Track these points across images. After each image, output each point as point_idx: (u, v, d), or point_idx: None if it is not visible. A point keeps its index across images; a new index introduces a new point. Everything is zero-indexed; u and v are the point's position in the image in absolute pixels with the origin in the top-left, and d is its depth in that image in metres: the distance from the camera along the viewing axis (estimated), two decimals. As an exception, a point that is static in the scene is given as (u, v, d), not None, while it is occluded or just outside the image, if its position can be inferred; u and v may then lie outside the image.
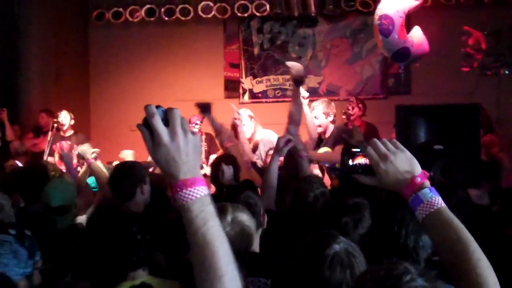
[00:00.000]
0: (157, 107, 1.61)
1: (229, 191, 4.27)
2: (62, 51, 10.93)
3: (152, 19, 11.14)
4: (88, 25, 11.77)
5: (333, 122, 7.51)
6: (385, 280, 1.56)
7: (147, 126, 1.59)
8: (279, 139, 4.87)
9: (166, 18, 11.06)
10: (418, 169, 1.85)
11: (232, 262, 1.56)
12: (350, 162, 1.95)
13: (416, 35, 7.67)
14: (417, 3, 7.71)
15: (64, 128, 8.78)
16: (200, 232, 1.55)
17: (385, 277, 1.56)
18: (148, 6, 11.07)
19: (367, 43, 10.76)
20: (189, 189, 1.56)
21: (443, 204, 1.81)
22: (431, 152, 6.05)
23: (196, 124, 8.57)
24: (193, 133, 1.60)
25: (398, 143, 1.90)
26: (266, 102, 11.25)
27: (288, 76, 11.13)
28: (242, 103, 11.31)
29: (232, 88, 11.43)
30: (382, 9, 7.55)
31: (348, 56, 10.93)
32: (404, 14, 7.58)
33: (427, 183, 1.83)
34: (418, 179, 1.83)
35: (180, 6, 10.95)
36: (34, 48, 10.30)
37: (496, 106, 9.52)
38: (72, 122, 8.90)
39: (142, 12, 11.10)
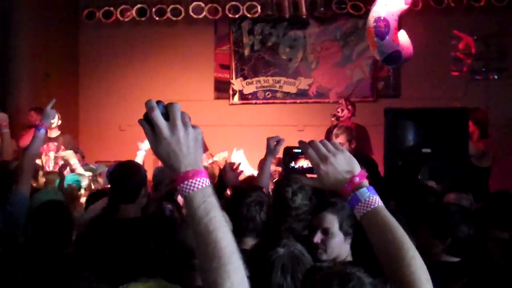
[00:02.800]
0: (158, 102, 1.64)
1: (236, 191, 4.23)
2: (52, 50, 10.89)
3: (143, 19, 11.11)
4: (78, 24, 11.73)
5: (354, 149, 7.46)
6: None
7: (148, 120, 1.62)
8: (268, 139, 4.74)
9: (157, 18, 11.03)
10: (357, 169, 1.89)
11: (236, 252, 1.58)
12: (292, 163, 1.97)
13: (403, 38, 7.69)
14: (406, 6, 7.73)
15: (53, 126, 8.72)
16: (203, 222, 1.58)
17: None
18: (139, 5, 11.05)
19: (357, 46, 10.78)
20: (190, 180, 1.59)
21: (381, 204, 1.84)
22: (419, 155, 6.08)
23: None
24: (194, 126, 1.64)
25: (338, 144, 1.92)
26: (256, 103, 11.25)
27: (278, 78, 11.17)
28: (232, 104, 11.32)
29: (222, 89, 11.42)
30: (377, 11, 7.53)
31: (339, 58, 10.95)
32: (397, 17, 7.60)
33: (366, 182, 1.87)
34: (357, 179, 1.86)
35: (171, 6, 10.94)
36: (24, 47, 10.25)
37: (485, 111, 9.57)
38: (59, 122, 8.84)
39: (133, 12, 11.07)
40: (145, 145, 6.19)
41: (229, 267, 1.55)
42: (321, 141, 1.91)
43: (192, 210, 1.59)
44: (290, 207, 3.81)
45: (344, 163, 1.88)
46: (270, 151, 4.63)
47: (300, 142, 1.94)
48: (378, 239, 1.82)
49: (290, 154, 1.98)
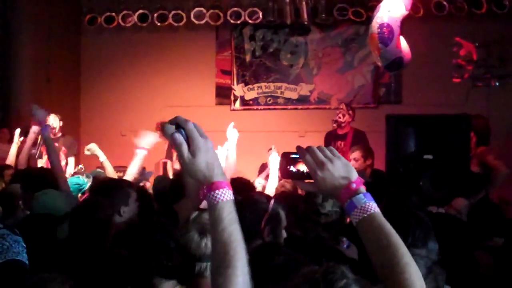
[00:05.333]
0: (171, 122, 1.74)
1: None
2: (54, 55, 10.91)
3: (144, 24, 11.13)
4: (80, 29, 11.75)
5: (370, 165, 7.43)
6: (319, 283, 1.58)
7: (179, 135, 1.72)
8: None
9: (159, 24, 11.05)
10: (354, 175, 1.90)
11: (247, 267, 1.70)
12: (290, 168, 1.97)
13: (403, 44, 7.68)
14: (406, 12, 7.72)
15: (56, 131, 8.70)
16: (227, 230, 1.70)
17: (319, 280, 1.59)
18: (141, 11, 11.07)
19: (359, 52, 10.79)
20: (223, 189, 1.74)
21: (377, 210, 1.85)
22: (421, 161, 6.06)
23: None
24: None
25: (335, 151, 1.94)
26: (257, 109, 11.26)
27: (279, 84, 11.17)
28: (233, 110, 11.33)
29: (223, 95, 11.43)
30: (380, 17, 7.51)
31: (340, 65, 10.96)
32: (400, 23, 7.58)
33: (363, 189, 1.88)
34: (354, 185, 1.87)
35: (173, 12, 10.96)
36: (26, 51, 10.27)
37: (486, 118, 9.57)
38: (61, 123, 8.82)
39: (135, 17, 11.09)
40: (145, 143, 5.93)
41: (240, 278, 1.67)
42: (318, 147, 1.92)
43: (220, 217, 1.71)
44: (319, 214, 3.71)
45: (341, 169, 1.89)
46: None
47: (298, 147, 1.95)
48: (373, 244, 1.83)
49: (287, 159, 1.99)
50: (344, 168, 1.89)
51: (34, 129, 6.14)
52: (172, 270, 2.91)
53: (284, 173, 2.00)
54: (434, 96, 10.01)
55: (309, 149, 1.92)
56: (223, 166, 6.50)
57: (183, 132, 1.72)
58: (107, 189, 4.35)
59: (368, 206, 1.84)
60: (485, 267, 3.77)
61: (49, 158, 4.90)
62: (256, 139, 9.97)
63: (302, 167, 1.95)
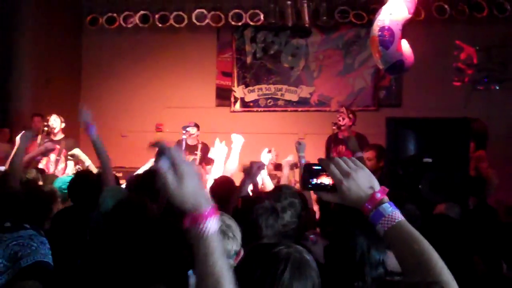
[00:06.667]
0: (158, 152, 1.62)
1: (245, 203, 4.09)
2: (55, 55, 10.91)
3: (145, 25, 11.15)
4: (81, 29, 11.76)
5: (381, 167, 7.40)
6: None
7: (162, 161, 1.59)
8: (252, 163, 4.60)
9: (160, 25, 11.06)
10: (377, 185, 1.92)
11: None
12: (312, 180, 1.98)
13: (405, 47, 7.68)
14: (410, 16, 7.72)
15: (55, 131, 8.68)
16: (219, 264, 1.59)
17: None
18: (142, 12, 11.08)
19: (359, 55, 10.79)
20: (210, 219, 1.59)
21: (402, 218, 1.87)
22: (420, 165, 6.07)
23: (191, 134, 8.54)
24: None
25: (358, 161, 1.95)
26: (257, 111, 11.26)
27: (280, 86, 11.17)
28: (234, 111, 11.33)
29: (224, 96, 11.43)
30: (382, 20, 7.49)
31: (340, 67, 10.96)
32: (402, 27, 7.58)
33: (386, 198, 1.90)
34: (378, 195, 1.89)
35: (174, 13, 10.97)
36: (27, 51, 10.28)
37: (486, 122, 9.54)
38: (63, 125, 8.81)
39: (136, 18, 11.11)
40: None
41: None
42: (341, 158, 1.94)
43: (211, 250, 1.59)
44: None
45: (365, 180, 1.91)
46: (250, 175, 4.54)
47: (320, 159, 1.97)
48: (405, 251, 1.85)
49: (309, 171, 2.00)
50: (368, 178, 1.92)
51: (48, 145, 6.26)
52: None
53: (306, 185, 2.00)
54: (434, 100, 10.01)
55: (333, 160, 1.94)
56: (223, 168, 6.56)
57: (167, 158, 1.59)
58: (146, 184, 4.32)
59: (395, 214, 1.87)
60: (481, 271, 3.77)
61: (99, 158, 4.90)
62: (255, 140, 9.96)
63: (325, 179, 1.96)
